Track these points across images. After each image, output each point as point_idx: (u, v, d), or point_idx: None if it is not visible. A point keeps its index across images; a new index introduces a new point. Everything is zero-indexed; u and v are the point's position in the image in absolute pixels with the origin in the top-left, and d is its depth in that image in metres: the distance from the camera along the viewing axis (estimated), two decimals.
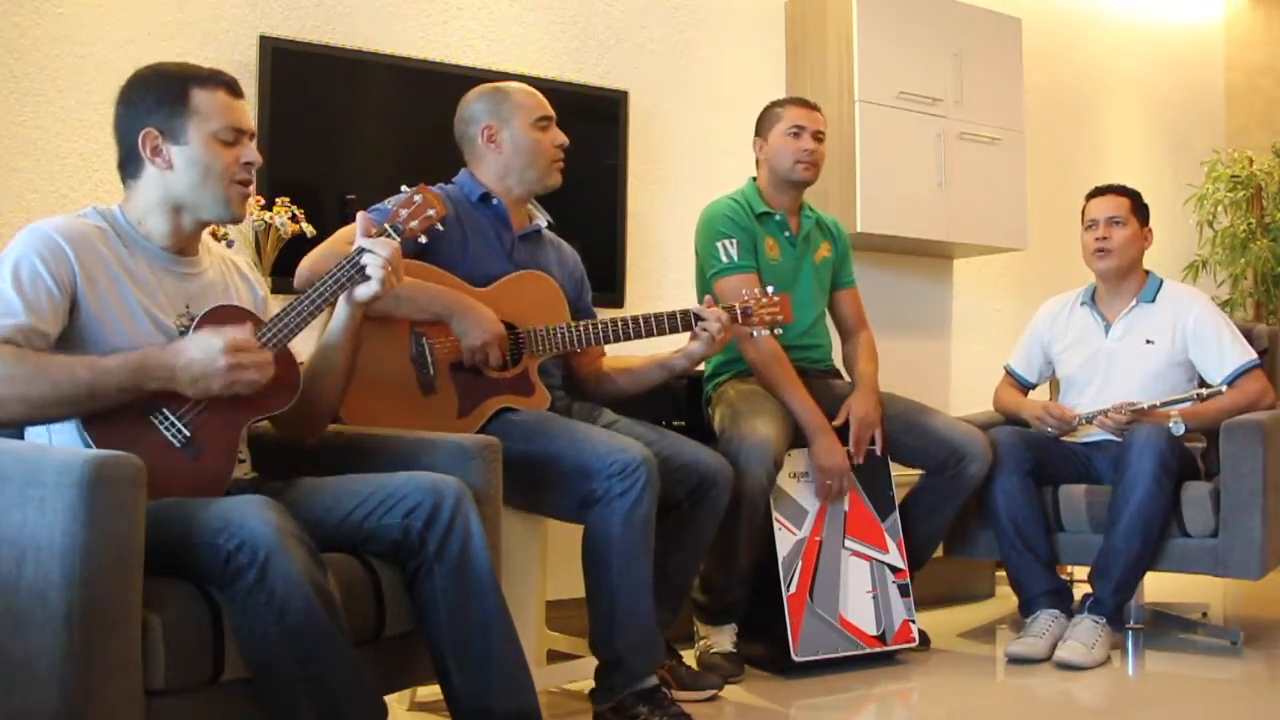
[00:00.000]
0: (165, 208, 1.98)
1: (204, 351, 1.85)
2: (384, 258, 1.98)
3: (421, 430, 2.33)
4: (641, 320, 2.60)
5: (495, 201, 2.66)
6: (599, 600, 2.39)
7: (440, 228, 2.17)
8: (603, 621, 2.39)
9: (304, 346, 2.09)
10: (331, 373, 2.10)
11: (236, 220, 2.05)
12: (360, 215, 2.07)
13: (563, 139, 2.69)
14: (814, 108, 3.25)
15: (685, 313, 2.62)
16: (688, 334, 2.64)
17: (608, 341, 2.61)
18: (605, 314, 2.91)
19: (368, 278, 2.00)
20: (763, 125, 3.25)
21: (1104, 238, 3.39)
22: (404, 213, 2.08)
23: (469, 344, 2.45)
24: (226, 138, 1.97)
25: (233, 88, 2.01)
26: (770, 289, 2.68)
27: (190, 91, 1.95)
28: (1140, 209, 3.45)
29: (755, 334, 2.70)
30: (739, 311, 2.63)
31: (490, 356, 2.47)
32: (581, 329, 2.59)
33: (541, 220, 2.76)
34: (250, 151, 2.00)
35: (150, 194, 1.98)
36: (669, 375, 2.73)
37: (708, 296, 2.69)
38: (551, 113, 2.70)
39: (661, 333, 2.62)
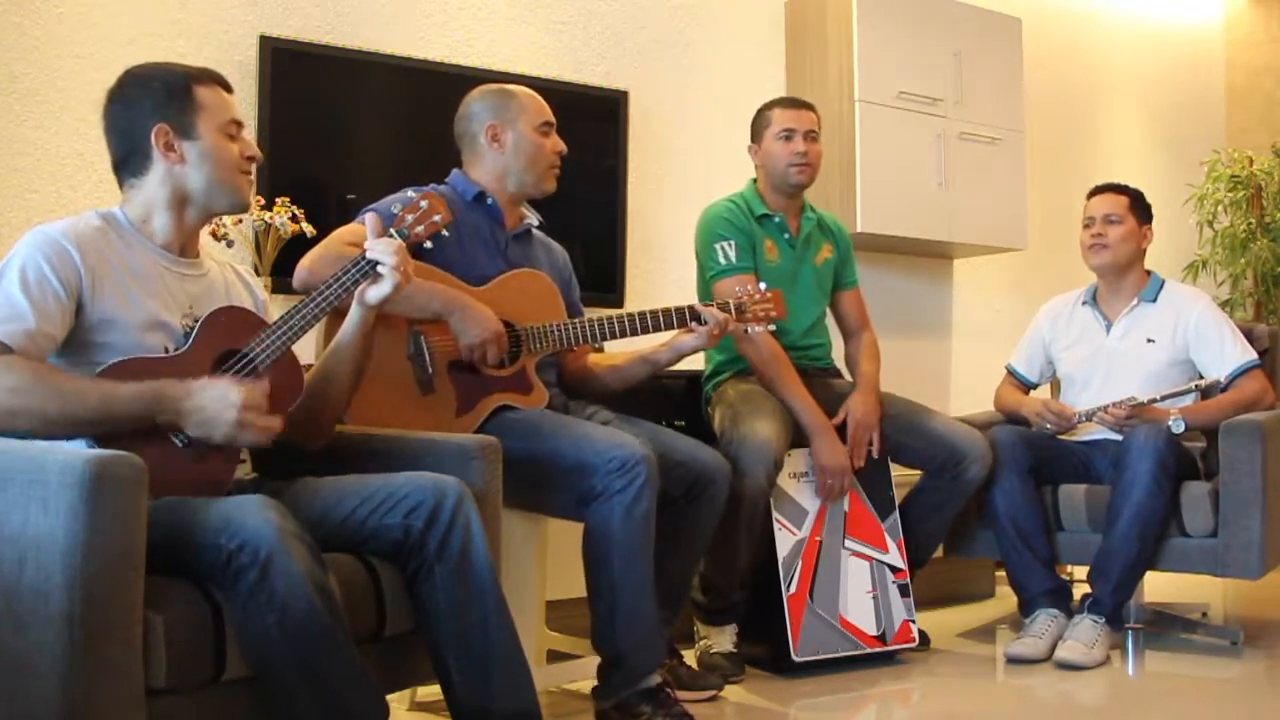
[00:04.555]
0: (171, 204, 1.99)
1: (217, 402, 1.83)
2: (395, 260, 1.99)
3: (419, 428, 2.34)
4: (638, 317, 2.61)
5: (490, 201, 2.67)
6: (600, 598, 2.39)
7: (446, 233, 2.18)
8: (604, 619, 2.39)
9: (305, 349, 2.09)
10: (341, 375, 2.11)
11: (246, 208, 2.09)
12: (369, 215, 2.09)
13: (562, 146, 2.71)
14: (804, 106, 3.23)
15: (682, 309, 2.63)
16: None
17: (605, 338, 2.61)
18: (604, 313, 2.91)
19: (380, 277, 2.01)
20: (755, 130, 3.25)
21: (1100, 234, 3.41)
22: (409, 218, 2.09)
23: (467, 342, 2.46)
24: (231, 131, 2.02)
25: (225, 84, 2.06)
26: (763, 285, 2.69)
27: (194, 88, 1.99)
28: (1140, 207, 3.46)
29: (750, 330, 2.69)
30: (733, 308, 2.64)
31: (488, 355, 2.47)
32: (579, 326, 2.59)
33: (533, 220, 2.77)
34: (250, 145, 2.06)
35: (157, 191, 1.98)
36: (653, 369, 2.71)
37: (709, 304, 2.69)
38: (553, 119, 2.72)
39: (658, 329, 2.63)
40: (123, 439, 1.76)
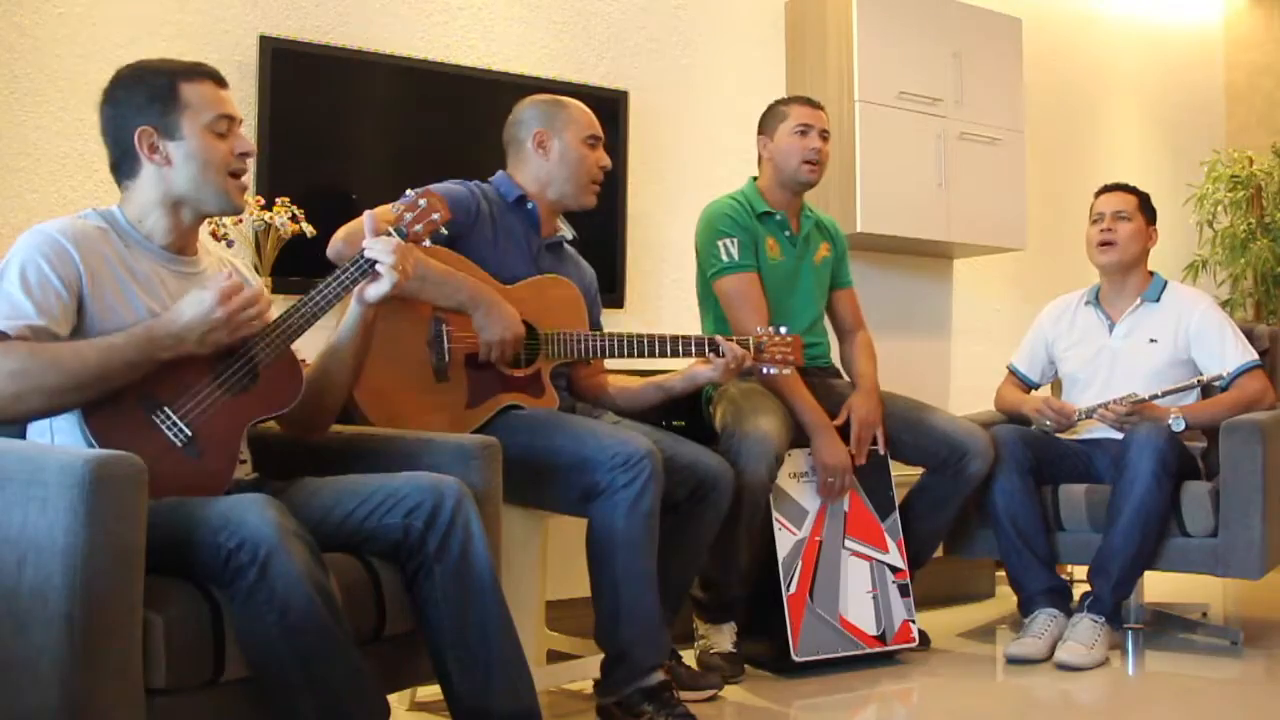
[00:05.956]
0: (165, 204, 1.98)
1: (198, 308, 1.86)
2: (393, 258, 2.00)
3: (426, 415, 2.36)
4: (658, 340, 2.62)
5: (530, 205, 2.70)
6: (603, 594, 2.40)
7: (444, 231, 2.18)
8: (607, 615, 2.40)
9: (307, 347, 2.09)
10: (340, 369, 2.12)
11: (237, 211, 2.05)
12: (366, 215, 2.09)
13: (607, 162, 2.75)
14: (819, 107, 3.25)
15: (701, 339, 2.66)
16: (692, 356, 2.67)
17: (623, 355, 2.62)
18: (609, 315, 2.92)
19: (378, 276, 2.01)
20: (768, 123, 3.25)
21: (1109, 230, 3.42)
22: (408, 216, 2.08)
23: (486, 338, 2.47)
24: (219, 129, 1.98)
25: (217, 79, 2.01)
26: (784, 329, 2.71)
27: (179, 86, 1.96)
28: (1147, 208, 3.48)
29: (766, 371, 2.71)
30: (753, 345, 2.67)
31: (504, 354, 2.48)
32: (599, 339, 2.61)
33: (567, 233, 2.80)
34: (244, 141, 2.02)
35: (149, 192, 1.97)
36: (666, 397, 2.76)
37: (729, 338, 2.70)
38: (601, 134, 2.75)
39: (675, 355, 2.65)
40: (123, 440, 1.76)
